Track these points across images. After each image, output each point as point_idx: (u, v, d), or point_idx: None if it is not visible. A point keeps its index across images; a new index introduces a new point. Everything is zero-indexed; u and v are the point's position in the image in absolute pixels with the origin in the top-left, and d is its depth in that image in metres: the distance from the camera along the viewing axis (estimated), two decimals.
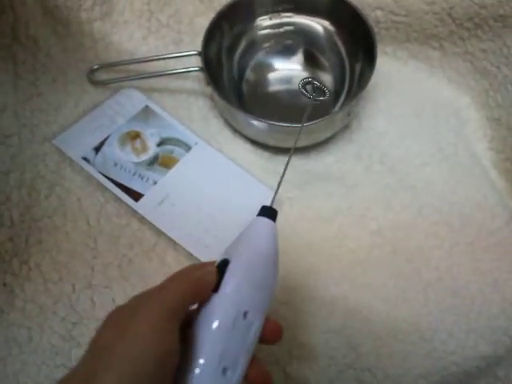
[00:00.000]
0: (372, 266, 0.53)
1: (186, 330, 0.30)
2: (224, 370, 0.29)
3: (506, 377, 0.54)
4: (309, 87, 0.49)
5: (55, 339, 0.47)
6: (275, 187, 0.56)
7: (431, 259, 0.54)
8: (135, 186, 0.54)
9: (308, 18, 0.65)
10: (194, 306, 0.31)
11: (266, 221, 0.35)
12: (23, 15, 0.55)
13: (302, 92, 0.49)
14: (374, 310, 0.51)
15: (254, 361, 0.32)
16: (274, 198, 0.38)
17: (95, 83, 0.61)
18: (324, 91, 0.49)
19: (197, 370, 0.28)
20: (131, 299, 0.28)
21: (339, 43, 0.64)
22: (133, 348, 0.25)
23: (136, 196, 0.54)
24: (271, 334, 0.33)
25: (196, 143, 0.58)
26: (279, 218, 0.55)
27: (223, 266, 0.32)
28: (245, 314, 0.30)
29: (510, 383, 0.54)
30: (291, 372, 0.48)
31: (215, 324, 0.29)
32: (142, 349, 0.25)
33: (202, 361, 0.29)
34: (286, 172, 0.59)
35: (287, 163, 0.42)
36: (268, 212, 0.35)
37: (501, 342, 0.51)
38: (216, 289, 0.31)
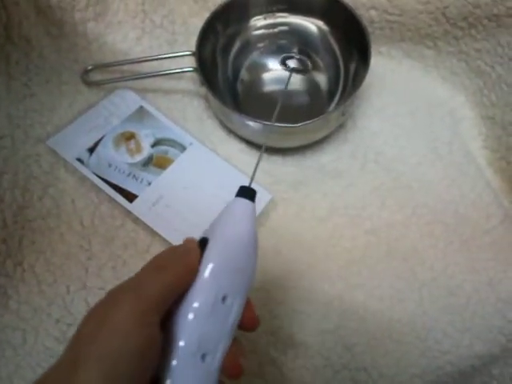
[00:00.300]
0: (367, 266, 0.53)
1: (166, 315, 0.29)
2: (203, 356, 0.29)
3: (501, 375, 0.54)
4: (289, 62, 0.49)
5: (50, 341, 0.46)
6: (270, 187, 0.56)
7: (426, 258, 0.54)
8: (129, 186, 0.54)
9: (302, 18, 0.65)
10: None
11: (244, 201, 0.33)
12: (16, 15, 0.54)
13: (282, 67, 0.48)
14: (370, 309, 0.51)
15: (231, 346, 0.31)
16: (252, 177, 0.37)
17: (89, 84, 0.61)
18: (305, 63, 0.48)
19: (175, 357, 0.28)
20: (109, 293, 0.28)
21: (333, 43, 0.64)
22: (112, 341, 0.25)
23: (130, 197, 0.53)
24: (248, 321, 0.32)
25: (191, 144, 0.58)
26: (274, 217, 0.56)
27: (202, 244, 0.31)
28: (224, 298, 0.30)
29: (505, 381, 0.54)
30: (287, 372, 0.48)
31: (193, 309, 0.29)
32: (121, 342, 0.25)
33: (180, 347, 0.28)
34: (281, 172, 0.59)
35: (260, 156, 0.41)
36: (246, 192, 0.34)
37: (496, 341, 0.51)
38: None
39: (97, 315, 0.27)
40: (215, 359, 0.29)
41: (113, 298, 0.27)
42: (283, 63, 0.58)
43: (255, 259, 0.33)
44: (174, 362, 0.28)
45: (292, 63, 0.63)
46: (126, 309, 0.26)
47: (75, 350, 0.25)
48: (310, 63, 0.46)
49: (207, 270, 0.30)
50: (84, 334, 0.26)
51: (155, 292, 0.27)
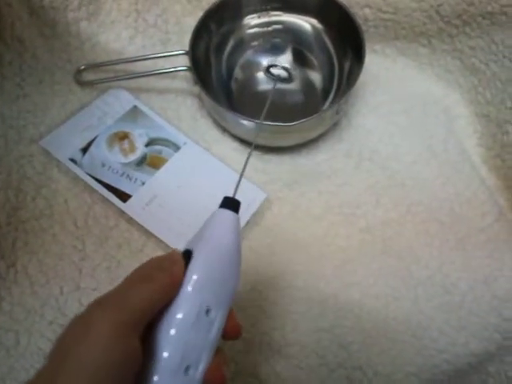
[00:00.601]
0: (362, 264, 0.53)
1: (147, 327, 0.29)
2: (186, 369, 0.28)
3: (497, 373, 0.54)
4: (274, 71, 0.48)
5: (43, 343, 0.46)
6: (265, 186, 0.56)
7: (421, 257, 0.54)
8: (123, 186, 0.54)
9: (296, 16, 0.65)
10: None
11: (228, 213, 0.33)
12: (8, 16, 0.54)
13: (267, 76, 0.48)
14: (365, 308, 0.51)
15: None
16: (236, 188, 0.36)
17: (82, 84, 0.60)
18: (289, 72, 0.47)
19: (158, 369, 0.28)
20: (90, 304, 0.27)
21: (328, 41, 0.64)
22: (92, 353, 0.24)
23: (124, 197, 0.53)
24: (231, 330, 0.32)
25: (185, 143, 0.58)
26: (269, 216, 0.56)
27: (186, 257, 0.31)
28: (207, 311, 0.30)
29: (501, 379, 0.54)
30: (282, 372, 0.47)
31: (177, 322, 0.29)
32: (101, 354, 0.24)
33: (163, 359, 0.28)
34: (276, 171, 0.59)
35: (248, 156, 0.41)
36: (230, 203, 0.34)
37: (491, 339, 0.51)
38: None
39: (77, 326, 0.26)
40: (198, 371, 0.29)
41: (94, 309, 0.27)
42: (268, 71, 0.58)
43: (239, 271, 0.33)
44: (157, 376, 0.28)
45: (276, 71, 0.62)
46: (107, 320, 0.25)
47: (55, 361, 0.25)
48: (292, 72, 0.46)
49: (191, 283, 0.30)
50: (64, 346, 0.25)
51: (138, 303, 0.27)
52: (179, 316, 0.29)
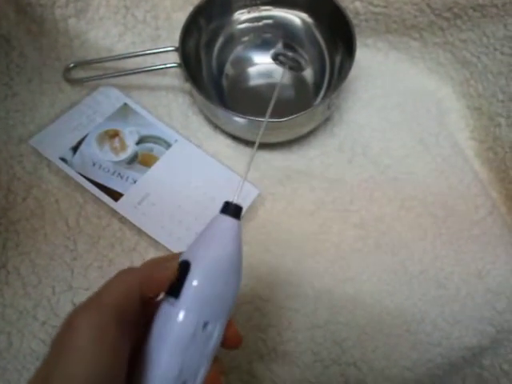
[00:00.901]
0: (356, 260, 0.53)
1: (141, 341, 0.29)
2: (183, 383, 0.28)
3: (492, 366, 0.54)
4: (281, 58, 0.46)
5: (36, 344, 0.46)
6: (257, 182, 0.55)
7: (415, 251, 0.54)
8: (115, 185, 0.53)
9: (287, 10, 0.64)
10: (160, 297, 0.30)
11: (229, 220, 0.31)
12: None
13: (276, 63, 0.45)
14: (359, 304, 0.51)
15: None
16: (238, 192, 0.34)
17: (71, 82, 0.60)
18: (298, 62, 0.45)
19: None
20: (71, 312, 0.26)
21: (318, 36, 0.63)
22: (70, 367, 0.24)
23: (116, 196, 0.53)
24: (230, 340, 0.31)
25: (176, 140, 0.58)
26: (262, 212, 0.55)
27: (184, 268, 0.29)
28: (205, 325, 0.29)
29: (496, 372, 0.54)
30: (276, 369, 0.47)
31: (173, 337, 0.28)
32: (86, 364, 0.24)
33: (160, 375, 0.27)
34: (268, 167, 0.59)
35: (251, 158, 0.38)
36: (232, 209, 0.32)
37: (486, 333, 0.51)
38: (175, 295, 0.29)
39: (59, 336, 0.25)
40: None
41: (74, 316, 0.26)
42: (276, 59, 0.55)
43: (239, 283, 0.31)
44: None
45: (284, 59, 0.61)
46: (87, 326, 0.25)
47: (41, 375, 0.25)
48: (302, 61, 0.43)
49: (189, 298, 0.29)
50: (50, 357, 0.25)
51: (113, 299, 0.26)
52: (176, 331, 0.28)
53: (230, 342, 0.31)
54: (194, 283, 0.29)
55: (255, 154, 0.38)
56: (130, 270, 0.28)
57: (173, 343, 0.28)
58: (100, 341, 0.24)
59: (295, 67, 0.43)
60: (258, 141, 0.38)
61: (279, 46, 0.41)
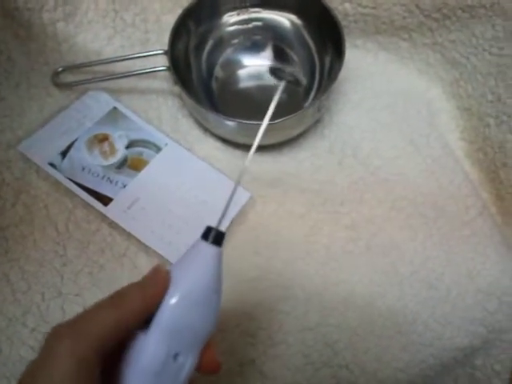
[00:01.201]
0: (347, 262, 0.53)
1: (111, 367, 0.27)
2: None
3: (484, 366, 0.54)
4: (279, 73, 0.45)
5: (25, 351, 0.46)
6: (248, 185, 0.55)
7: (406, 252, 0.54)
8: (104, 190, 0.53)
9: (276, 12, 0.64)
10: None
11: (209, 248, 0.29)
12: None
13: (273, 77, 0.44)
14: (350, 305, 0.51)
15: None
16: (222, 215, 0.32)
17: (60, 86, 0.59)
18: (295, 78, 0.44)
19: None
20: (49, 335, 0.25)
21: (307, 37, 0.63)
22: None
23: (105, 200, 0.52)
24: (207, 365, 0.30)
25: (166, 144, 0.57)
26: (253, 215, 0.55)
27: None
28: (175, 356, 0.28)
29: (488, 372, 0.54)
30: (267, 372, 0.47)
31: (143, 366, 0.27)
32: None
33: None
34: (259, 170, 0.59)
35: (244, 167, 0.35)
36: (213, 235, 0.30)
37: (477, 333, 0.51)
38: (146, 324, 0.28)
39: (36, 361, 0.25)
40: None
41: (56, 338, 0.25)
42: (273, 73, 0.54)
43: (216, 314, 0.30)
44: None
45: (282, 74, 0.60)
46: (65, 356, 0.24)
47: None
48: (300, 78, 0.42)
49: (159, 328, 0.28)
50: (25, 380, 0.24)
51: (98, 330, 0.25)
52: (145, 363, 0.27)
53: (206, 367, 0.30)
54: (166, 314, 0.28)
55: (249, 162, 0.35)
56: (123, 303, 0.27)
57: (142, 373, 0.27)
58: (77, 372, 0.24)
59: (293, 82, 0.42)
60: (251, 153, 0.36)
61: (275, 62, 0.40)
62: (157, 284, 0.28)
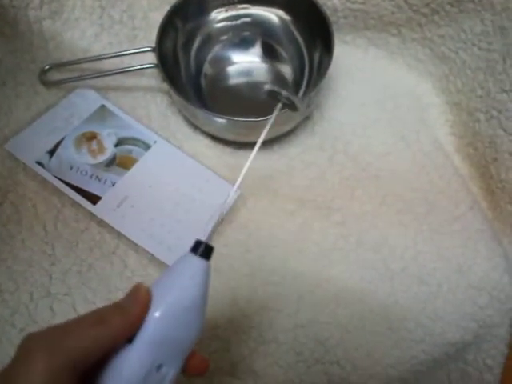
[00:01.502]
0: (337, 258, 0.53)
1: (94, 378, 0.27)
2: None
3: (475, 361, 0.55)
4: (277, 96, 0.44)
5: (13, 351, 0.45)
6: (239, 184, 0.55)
7: (396, 248, 0.54)
8: (93, 188, 0.53)
9: (264, 8, 0.64)
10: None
11: (197, 262, 0.29)
12: None
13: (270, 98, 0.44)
14: (341, 302, 0.50)
15: None
16: (211, 230, 0.32)
17: (47, 84, 0.59)
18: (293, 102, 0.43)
19: None
20: (23, 342, 0.24)
21: (296, 33, 0.63)
22: None
23: (94, 199, 0.52)
24: (194, 368, 0.30)
25: (155, 142, 0.57)
26: (244, 213, 0.55)
27: None
28: (159, 367, 0.28)
29: (479, 366, 0.55)
30: (259, 370, 0.47)
31: (125, 378, 0.26)
32: None
33: None
34: (249, 167, 0.58)
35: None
36: (202, 249, 0.30)
37: (468, 328, 0.51)
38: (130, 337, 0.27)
39: (8, 370, 0.24)
40: None
41: (24, 349, 0.24)
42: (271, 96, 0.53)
43: (200, 327, 0.30)
44: None
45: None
46: (35, 366, 0.23)
47: None
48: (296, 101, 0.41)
49: (144, 339, 0.27)
50: None
51: (78, 346, 0.24)
52: (127, 371, 0.27)
53: (191, 371, 0.30)
54: (150, 328, 0.28)
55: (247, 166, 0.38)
56: (103, 323, 0.26)
57: (124, 383, 0.27)
58: None
59: (290, 106, 0.42)
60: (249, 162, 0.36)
61: (271, 84, 0.40)
62: (137, 304, 0.28)
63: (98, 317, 0.26)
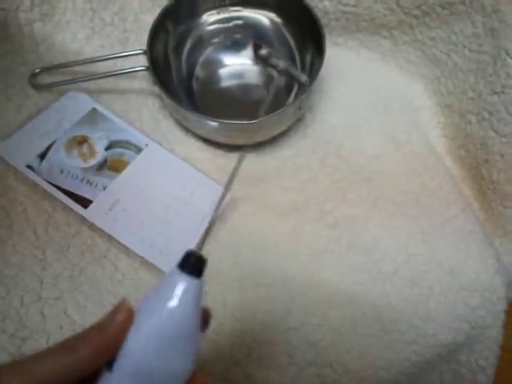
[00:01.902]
0: (329, 261, 0.53)
1: None
2: None
3: (468, 361, 0.55)
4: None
5: (4, 357, 0.45)
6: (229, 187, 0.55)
7: (388, 250, 0.54)
8: (84, 192, 0.52)
9: (257, 11, 0.64)
10: None
11: (186, 281, 0.25)
12: None
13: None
14: (333, 305, 0.50)
15: None
16: (203, 239, 0.28)
17: (38, 87, 0.58)
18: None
19: None
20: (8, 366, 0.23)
21: (287, 35, 0.63)
22: None
23: (85, 203, 0.52)
24: None
25: (146, 145, 0.57)
26: (235, 215, 0.55)
27: None
28: None
29: (472, 368, 0.55)
30: (252, 373, 0.47)
31: None
32: None
33: None
34: (241, 169, 0.58)
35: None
36: (193, 263, 0.26)
37: (460, 329, 0.51)
38: (109, 364, 0.25)
39: None
40: None
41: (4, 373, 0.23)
42: (265, 62, 0.53)
43: (193, 356, 0.26)
44: None
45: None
46: None
47: None
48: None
49: (125, 368, 0.25)
50: None
51: (45, 372, 0.23)
52: None
53: None
54: (128, 355, 0.25)
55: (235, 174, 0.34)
56: (79, 348, 0.25)
57: None
58: None
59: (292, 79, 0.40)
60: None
61: (268, 51, 0.38)
62: (114, 323, 0.26)
63: (73, 343, 0.25)
